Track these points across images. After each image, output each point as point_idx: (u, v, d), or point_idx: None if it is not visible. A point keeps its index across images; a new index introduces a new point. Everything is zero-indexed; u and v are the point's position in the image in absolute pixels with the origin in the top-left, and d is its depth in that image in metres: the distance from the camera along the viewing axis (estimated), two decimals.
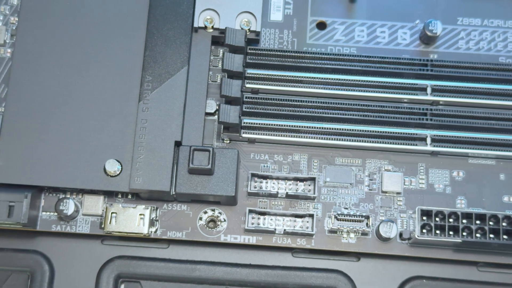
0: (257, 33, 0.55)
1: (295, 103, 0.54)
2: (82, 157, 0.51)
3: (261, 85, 0.54)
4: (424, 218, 0.51)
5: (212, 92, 0.55)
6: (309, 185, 0.53)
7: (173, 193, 0.51)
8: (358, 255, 0.54)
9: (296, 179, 0.53)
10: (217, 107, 0.55)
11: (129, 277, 0.53)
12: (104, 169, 0.51)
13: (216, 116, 0.55)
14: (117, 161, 0.51)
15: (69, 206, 0.52)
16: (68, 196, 0.53)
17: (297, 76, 0.55)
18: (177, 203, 0.53)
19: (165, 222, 0.53)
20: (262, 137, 0.54)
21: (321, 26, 0.58)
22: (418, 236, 0.51)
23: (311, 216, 0.52)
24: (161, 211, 0.53)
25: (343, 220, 0.52)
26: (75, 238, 0.54)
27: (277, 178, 0.53)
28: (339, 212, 0.52)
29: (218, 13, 0.54)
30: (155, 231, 0.52)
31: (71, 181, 0.51)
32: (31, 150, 0.51)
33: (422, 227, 0.51)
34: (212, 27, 0.54)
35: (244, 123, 0.53)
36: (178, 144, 0.52)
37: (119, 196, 0.53)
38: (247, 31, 0.54)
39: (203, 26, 0.54)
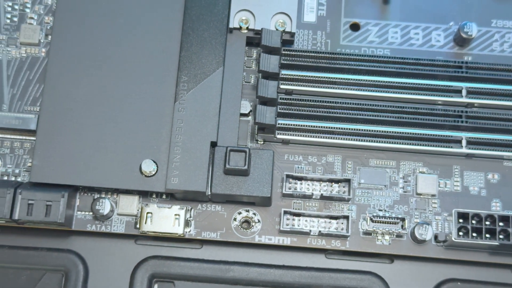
0: (292, 34, 0.55)
1: (330, 104, 0.54)
2: (118, 157, 0.51)
3: (295, 86, 0.54)
4: (461, 220, 0.51)
5: (245, 93, 0.55)
6: (344, 187, 0.53)
7: (209, 193, 0.51)
8: (391, 257, 0.54)
9: (331, 181, 0.53)
10: (251, 108, 0.55)
11: (163, 277, 0.53)
12: (140, 169, 0.51)
13: (250, 117, 0.55)
14: (153, 161, 0.51)
15: (105, 206, 0.52)
16: (103, 195, 0.53)
17: (331, 78, 0.55)
18: (212, 204, 0.53)
19: (200, 222, 0.53)
20: (297, 138, 0.54)
21: (355, 27, 0.58)
22: (455, 239, 0.50)
23: (346, 217, 0.52)
24: (196, 212, 0.53)
25: (378, 222, 0.52)
26: (109, 237, 0.54)
27: (312, 180, 0.53)
28: (374, 214, 0.52)
29: (253, 14, 0.54)
30: (190, 231, 0.53)
31: (107, 181, 0.51)
32: (67, 150, 0.51)
33: (459, 229, 0.51)
34: (247, 28, 0.54)
35: (279, 124, 0.53)
36: (213, 144, 0.52)
37: (154, 196, 0.53)
38: (282, 32, 0.54)
39: (238, 26, 0.54)
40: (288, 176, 0.53)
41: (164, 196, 0.53)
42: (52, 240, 0.54)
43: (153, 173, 0.51)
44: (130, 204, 0.53)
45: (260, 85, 0.52)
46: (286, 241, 0.53)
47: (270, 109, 0.52)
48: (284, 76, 0.54)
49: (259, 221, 0.53)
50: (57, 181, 0.51)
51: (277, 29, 0.54)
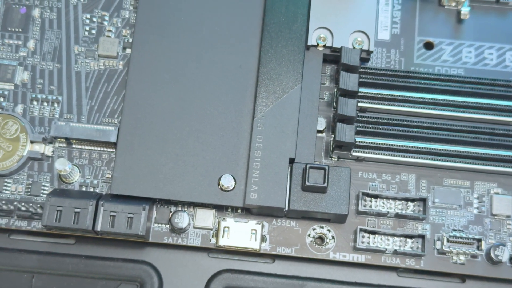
0: (369, 53, 0.55)
1: (404, 122, 0.54)
2: (197, 171, 0.52)
3: (373, 104, 0.55)
4: None
5: (319, 109, 0.55)
6: (418, 206, 0.53)
7: (286, 209, 0.52)
8: (463, 277, 0.54)
9: (406, 199, 0.53)
10: (326, 125, 0.55)
11: None
12: (219, 184, 0.52)
13: (324, 133, 0.55)
14: (232, 176, 0.52)
15: (183, 220, 0.52)
16: (180, 208, 0.54)
17: (406, 96, 0.55)
18: (287, 219, 0.54)
19: (274, 237, 0.53)
20: (372, 156, 0.54)
21: (429, 46, 0.58)
22: None
23: (422, 237, 0.52)
24: (271, 227, 0.53)
25: (454, 242, 0.52)
26: (183, 250, 0.54)
27: (387, 198, 0.54)
28: (451, 234, 0.52)
29: (331, 31, 0.55)
30: (265, 246, 0.53)
31: (186, 194, 0.52)
32: (146, 163, 0.52)
33: None
34: (324, 45, 0.55)
35: (356, 142, 0.53)
36: (291, 160, 0.52)
37: (229, 209, 0.54)
38: (361, 50, 0.54)
39: (315, 44, 0.55)
40: (363, 194, 0.53)
41: (239, 210, 0.54)
42: (127, 251, 0.54)
43: (231, 187, 0.52)
44: (206, 218, 0.53)
45: (340, 104, 0.52)
46: (361, 258, 0.53)
47: (349, 128, 0.52)
48: (362, 94, 0.54)
49: (333, 237, 0.53)
50: (137, 194, 0.52)
51: (354, 47, 0.55)
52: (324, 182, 0.51)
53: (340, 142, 0.52)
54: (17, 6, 0.57)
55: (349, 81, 0.53)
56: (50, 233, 0.53)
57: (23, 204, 0.52)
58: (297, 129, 0.53)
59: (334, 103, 0.56)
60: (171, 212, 0.53)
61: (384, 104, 0.55)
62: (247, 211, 0.54)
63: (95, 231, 0.50)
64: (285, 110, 0.53)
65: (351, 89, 0.53)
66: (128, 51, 0.57)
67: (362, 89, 0.55)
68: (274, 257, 0.55)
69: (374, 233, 0.53)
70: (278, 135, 0.52)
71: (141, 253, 0.54)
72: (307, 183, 0.51)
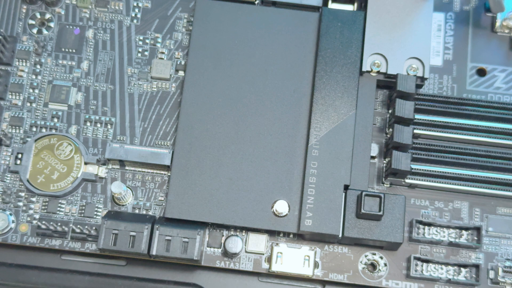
0: (423, 79, 0.55)
1: (458, 150, 0.54)
2: (250, 196, 0.52)
3: (425, 131, 0.54)
4: None
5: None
6: (472, 234, 0.53)
7: (340, 236, 0.51)
8: None
9: (460, 228, 0.53)
10: (378, 150, 0.55)
11: None
12: (273, 209, 0.52)
13: (376, 159, 0.55)
14: (286, 201, 0.52)
15: (237, 244, 0.52)
16: (232, 232, 0.54)
17: (459, 123, 0.55)
18: (339, 245, 0.53)
19: (327, 263, 0.53)
20: (425, 183, 0.54)
21: (481, 72, 0.58)
22: None
23: (476, 266, 0.52)
24: (323, 252, 0.53)
25: (509, 272, 0.52)
26: (234, 273, 0.54)
27: (440, 226, 0.53)
28: (506, 265, 0.52)
29: (386, 58, 0.55)
30: (317, 272, 0.53)
31: (240, 219, 0.52)
32: (200, 187, 0.52)
33: None
34: (378, 71, 0.55)
35: (411, 169, 0.53)
36: (345, 187, 0.52)
37: (281, 234, 0.54)
38: (416, 77, 0.54)
39: (369, 69, 0.55)
40: (417, 221, 0.53)
41: (291, 235, 0.54)
42: (179, 274, 0.54)
43: (285, 213, 0.52)
44: (258, 242, 0.53)
45: (396, 131, 0.52)
46: (414, 286, 0.53)
47: (405, 156, 0.52)
48: (417, 121, 0.54)
49: (385, 265, 0.53)
50: (191, 218, 0.52)
51: (409, 74, 0.54)
52: (379, 210, 0.50)
53: (395, 170, 0.52)
54: (71, 27, 0.58)
55: (405, 108, 0.53)
56: (101, 254, 0.54)
57: (78, 226, 0.52)
58: (351, 155, 0.52)
59: (386, 129, 0.56)
60: (223, 235, 0.54)
61: (437, 131, 0.55)
62: (299, 237, 0.54)
63: (150, 255, 0.50)
64: (340, 136, 0.53)
65: (407, 117, 0.53)
66: (181, 73, 0.57)
67: (419, 116, 0.54)
68: (326, 283, 0.54)
69: (427, 261, 0.53)
70: (333, 161, 0.52)
71: (192, 276, 0.54)
72: (362, 210, 0.50)
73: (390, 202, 0.52)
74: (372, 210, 0.51)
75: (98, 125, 0.56)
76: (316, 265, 0.53)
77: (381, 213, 0.50)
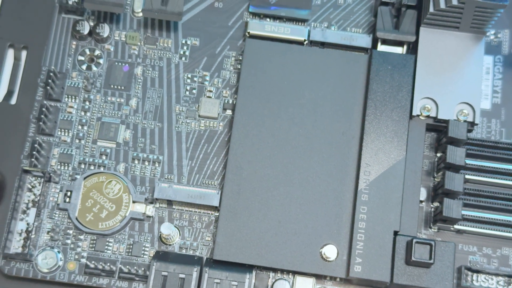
0: (473, 124, 0.54)
1: (507, 196, 0.54)
2: (299, 239, 0.52)
3: (473, 176, 0.54)
4: None
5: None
6: None
7: (389, 283, 0.51)
8: None
9: (509, 276, 0.53)
10: (426, 194, 0.55)
11: None
12: (321, 254, 0.51)
13: (423, 203, 0.55)
14: (335, 246, 0.52)
15: None
16: (279, 275, 0.53)
17: (509, 169, 0.54)
18: None
19: None
20: (473, 230, 0.53)
21: None
22: None
23: None
24: None
25: None
26: None
27: (489, 273, 0.53)
28: None
29: (436, 102, 0.54)
30: None
31: (288, 263, 0.52)
32: (249, 229, 0.52)
33: None
34: (428, 115, 0.54)
35: (462, 217, 0.53)
36: (394, 233, 0.52)
37: (328, 278, 0.54)
38: (466, 122, 0.54)
39: (419, 113, 0.55)
40: (466, 268, 0.53)
41: (338, 279, 0.54)
42: None
43: (334, 258, 0.51)
44: (306, 286, 0.53)
45: (447, 178, 0.52)
46: None
47: (456, 203, 0.52)
48: (467, 166, 0.54)
49: None
50: (239, 260, 0.52)
51: (458, 119, 0.54)
52: (430, 258, 0.50)
53: (446, 218, 0.52)
54: (120, 64, 0.58)
55: (456, 155, 0.53)
56: None
57: (127, 266, 0.52)
58: (401, 201, 0.52)
59: (434, 173, 0.55)
60: (269, 278, 0.53)
61: (486, 177, 0.54)
62: (346, 281, 0.53)
63: None
64: (390, 181, 0.53)
65: (458, 163, 0.52)
66: (228, 112, 0.57)
67: (469, 161, 0.54)
68: None
69: None
70: (383, 206, 0.52)
71: None
72: (413, 258, 0.50)
73: (440, 249, 0.51)
74: (422, 258, 0.50)
75: (146, 163, 0.56)
76: None
77: (431, 261, 0.50)
